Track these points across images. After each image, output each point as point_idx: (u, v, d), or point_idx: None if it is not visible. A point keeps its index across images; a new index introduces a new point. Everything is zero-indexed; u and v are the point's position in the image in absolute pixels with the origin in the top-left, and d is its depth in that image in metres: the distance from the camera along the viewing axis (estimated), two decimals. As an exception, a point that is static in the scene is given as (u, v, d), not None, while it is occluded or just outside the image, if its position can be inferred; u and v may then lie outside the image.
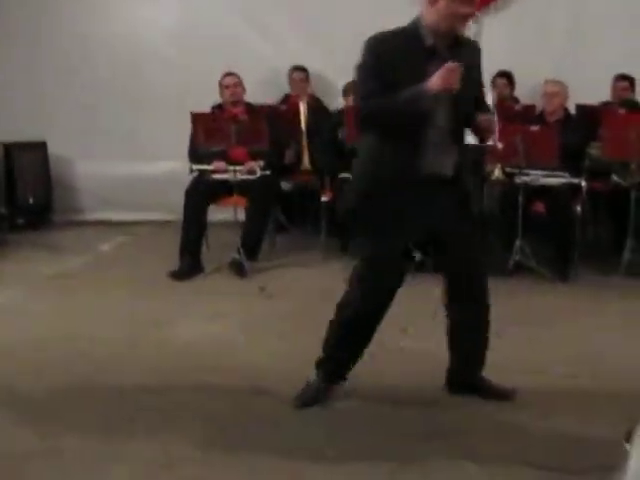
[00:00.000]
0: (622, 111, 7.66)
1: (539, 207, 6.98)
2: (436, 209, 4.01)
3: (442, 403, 4.39)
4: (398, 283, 4.15)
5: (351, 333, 4.26)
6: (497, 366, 4.75)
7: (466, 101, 3.98)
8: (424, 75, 3.81)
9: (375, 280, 4.12)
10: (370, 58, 3.89)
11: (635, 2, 8.35)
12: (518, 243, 6.78)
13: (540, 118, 7.22)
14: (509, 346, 5.18)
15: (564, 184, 6.84)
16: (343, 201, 4.53)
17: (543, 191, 6.86)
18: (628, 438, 2.53)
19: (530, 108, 8.04)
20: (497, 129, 4.23)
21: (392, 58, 3.86)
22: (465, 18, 3.88)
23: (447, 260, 4.21)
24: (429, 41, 3.91)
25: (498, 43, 8.69)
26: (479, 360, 4.40)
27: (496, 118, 4.16)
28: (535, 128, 6.74)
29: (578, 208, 6.93)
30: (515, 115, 7.57)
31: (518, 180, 6.74)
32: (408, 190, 3.96)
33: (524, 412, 4.26)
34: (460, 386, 4.45)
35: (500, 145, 6.18)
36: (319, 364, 4.39)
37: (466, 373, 4.45)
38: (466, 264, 4.16)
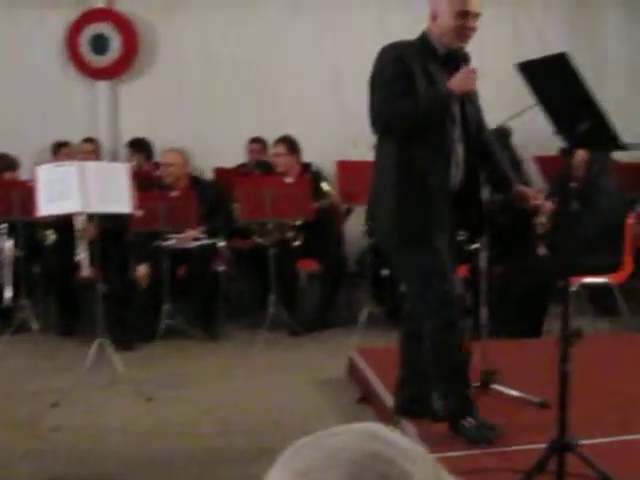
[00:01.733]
0: (257, 173, 8.05)
1: (183, 270, 7.14)
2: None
3: None
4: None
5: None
6: (151, 430, 4.81)
7: (471, 119, 4.17)
8: (439, 82, 3.97)
9: (440, 290, 4.11)
10: (389, 63, 3.98)
11: (259, 73, 8.83)
12: (167, 307, 6.86)
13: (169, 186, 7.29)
14: (162, 410, 5.24)
15: (205, 246, 7.06)
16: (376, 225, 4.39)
17: (185, 254, 7.03)
18: None
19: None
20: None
21: (410, 63, 3.96)
22: (462, 32, 4.01)
23: None
24: (441, 50, 4.06)
25: (136, 110, 8.87)
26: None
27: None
28: (175, 193, 6.89)
29: (221, 268, 7.16)
30: (154, 181, 7.63)
31: (162, 245, 6.85)
32: (440, 203, 4.07)
33: (181, 475, 4.33)
34: None
35: (140, 212, 6.31)
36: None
37: None
38: None
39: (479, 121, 4.31)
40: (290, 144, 7.51)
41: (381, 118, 4.06)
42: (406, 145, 4.08)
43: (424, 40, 4.12)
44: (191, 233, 7.02)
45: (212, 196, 7.30)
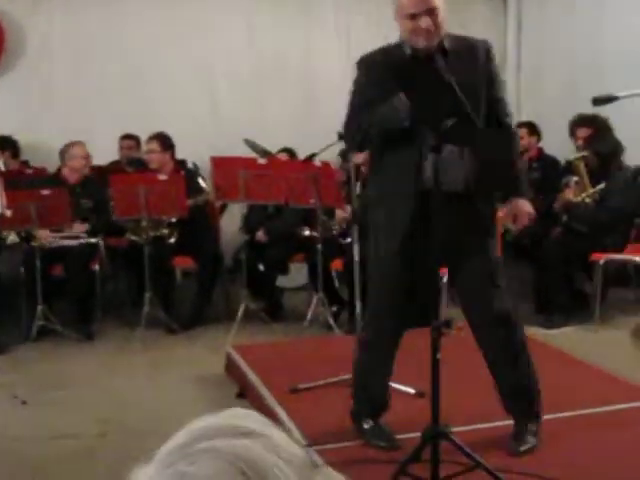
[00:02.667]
0: (130, 170, 7.95)
1: (58, 269, 7.02)
2: (442, 226, 3.71)
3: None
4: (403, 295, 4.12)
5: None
6: (27, 435, 4.73)
7: (456, 108, 3.66)
8: (412, 83, 3.77)
9: (381, 281, 4.10)
10: (358, 77, 4.04)
11: (131, 69, 8.75)
12: (40, 307, 6.73)
13: (57, 179, 7.25)
14: (38, 413, 5.16)
15: (81, 244, 6.97)
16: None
17: (61, 253, 6.91)
18: None
19: (41, 171, 8.04)
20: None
21: (378, 72, 3.89)
22: (418, 33, 3.84)
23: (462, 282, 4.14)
24: (408, 51, 3.93)
25: (4, 107, 8.66)
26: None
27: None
28: (46, 192, 6.73)
29: (97, 266, 7.07)
30: (26, 180, 7.47)
31: (35, 244, 6.72)
32: (405, 204, 3.92)
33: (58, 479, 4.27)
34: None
35: (9, 212, 6.16)
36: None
37: None
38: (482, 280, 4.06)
39: (493, 108, 4.14)
40: (163, 140, 7.43)
41: (346, 135, 4.21)
42: (380, 153, 4.08)
43: (400, 44, 3.98)
44: (76, 229, 6.96)
45: (97, 193, 7.20)
